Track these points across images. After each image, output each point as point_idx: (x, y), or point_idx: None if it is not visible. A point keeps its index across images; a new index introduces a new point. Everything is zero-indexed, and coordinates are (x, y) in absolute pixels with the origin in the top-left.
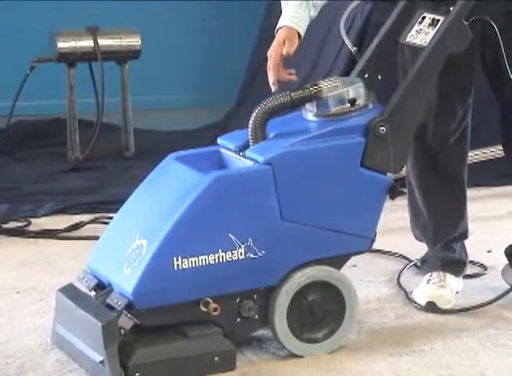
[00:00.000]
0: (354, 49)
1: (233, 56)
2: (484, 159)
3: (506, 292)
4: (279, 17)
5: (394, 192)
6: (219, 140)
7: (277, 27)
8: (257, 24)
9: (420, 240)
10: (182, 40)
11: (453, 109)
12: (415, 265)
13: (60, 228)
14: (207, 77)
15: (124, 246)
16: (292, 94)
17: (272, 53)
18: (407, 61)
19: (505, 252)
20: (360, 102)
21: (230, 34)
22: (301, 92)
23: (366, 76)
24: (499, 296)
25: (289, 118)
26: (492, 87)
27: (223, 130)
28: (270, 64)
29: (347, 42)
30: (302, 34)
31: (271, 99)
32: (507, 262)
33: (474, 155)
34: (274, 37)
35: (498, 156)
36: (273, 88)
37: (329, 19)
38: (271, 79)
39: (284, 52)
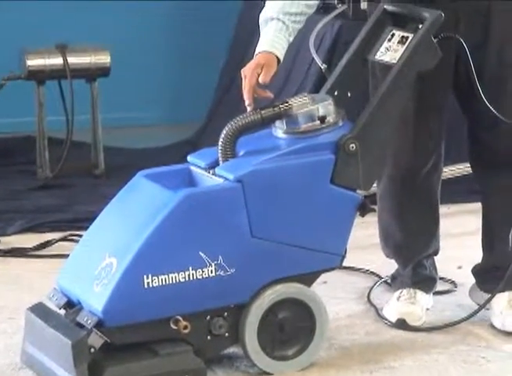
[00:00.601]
0: (323, 67)
1: (203, 72)
2: (453, 176)
3: (476, 312)
4: (251, 34)
5: (364, 209)
6: (189, 158)
7: (256, 52)
8: (227, 40)
9: (391, 258)
10: (152, 56)
11: (427, 127)
12: (385, 281)
13: (30, 246)
14: (177, 93)
15: (93, 264)
16: (262, 112)
17: (248, 74)
18: (377, 78)
19: (472, 271)
20: (330, 119)
21: (200, 49)
22: (271, 109)
23: (336, 93)
24: (469, 316)
25: (259, 136)
26: (461, 103)
27: (193, 147)
28: (245, 85)
29: (317, 60)
30: (281, 60)
31: (241, 116)
32: (474, 281)
33: (445, 172)
34: (245, 52)
35: (466, 173)
36: (249, 109)
37: (298, 36)
38: (247, 101)
39: (261, 80)
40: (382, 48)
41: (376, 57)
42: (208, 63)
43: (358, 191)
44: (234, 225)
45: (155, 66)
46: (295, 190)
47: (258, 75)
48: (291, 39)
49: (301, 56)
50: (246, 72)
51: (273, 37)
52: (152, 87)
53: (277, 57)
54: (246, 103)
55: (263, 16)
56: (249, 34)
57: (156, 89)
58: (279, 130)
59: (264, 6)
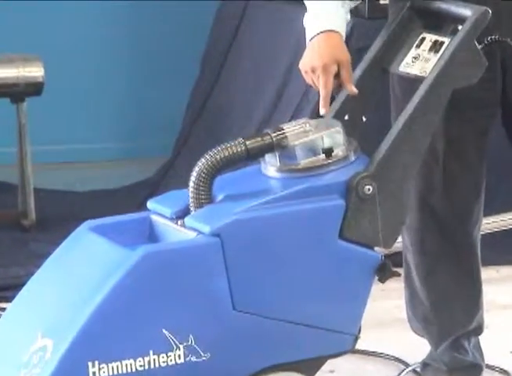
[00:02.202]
0: None
1: (169, 95)
2: (500, 228)
3: None
4: (223, 53)
5: (384, 272)
6: (150, 204)
7: (313, 34)
8: (200, 50)
9: (421, 336)
10: (101, 71)
11: (465, 161)
12: (413, 370)
13: None
14: (134, 119)
15: (21, 347)
16: (247, 142)
17: (323, 78)
18: (401, 97)
19: None
20: (338, 152)
21: (166, 65)
22: (259, 139)
23: (347, 117)
24: None
25: (243, 174)
26: (510, 130)
27: (155, 190)
28: (323, 93)
29: None
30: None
31: (219, 148)
32: None
33: (489, 223)
34: (222, 65)
35: None
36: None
37: (292, 45)
38: (323, 110)
39: (347, 88)
40: (408, 58)
41: (400, 69)
42: (176, 79)
43: (377, 248)
44: (210, 294)
45: (106, 83)
46: (292, 248)
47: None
48: (349, 17)
49: (296, 71)
50: (320, 70)
51: (335, 12)
52: (101, 111)
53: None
54: (323, 112)
55: None
56: (221, 54)
57: (106, 114)
58: (270, 167)
59: None
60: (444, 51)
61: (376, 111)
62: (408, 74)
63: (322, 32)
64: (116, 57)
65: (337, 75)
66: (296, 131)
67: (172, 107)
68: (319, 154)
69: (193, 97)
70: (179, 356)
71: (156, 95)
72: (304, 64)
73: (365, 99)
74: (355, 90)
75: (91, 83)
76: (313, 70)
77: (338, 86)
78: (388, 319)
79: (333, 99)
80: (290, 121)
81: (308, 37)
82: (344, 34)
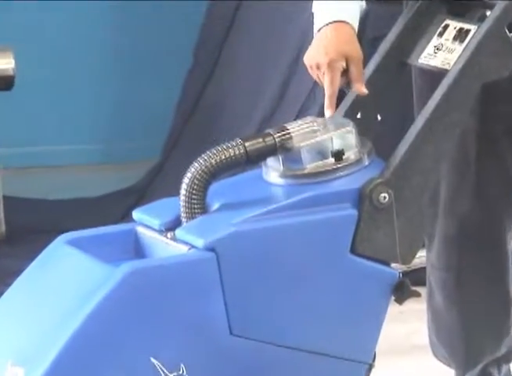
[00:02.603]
0: None
1: (157, 91)
2: None
3: None
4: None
5: (402, 292)
6: (135, 214)
7: (321, 25)
8: (191, 43)
9: (446, 364)
10: (81, 62)
11: (496, 164)
12: None
13: None
14: (117, 118)
15: None
16: (246, 143)
17: (329, 75)
18: (423, 92)
19: None
20: (350, 155)
21: (153, 60)
22: (259, 140)
23: (359, 116)
24: None
25: (241, 180)
26: None
27: (141, 198)
28: (329, 92)
29: None
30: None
31: (214, 151)
32: None
33: None
34: (217, 59)
35: None
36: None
37: (297, 35)
38: (329, 111)
39: (357, 89)
40: (429, 48)
41: (420, 61)
42: (164, 74)
43: (394, 265)
44: (204, 317)
45: (83, 77)
46: (297, 264)
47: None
48: (364, 4)
49: (302, 64)
50: (325, 67)
51: (346, 2)
52: (80, 109)
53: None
54: (328, 113)
55: None
56: (219, 36)
57: (86, 112)
58: (272, 172)
59: None
60: (470, 40)
61: (393, 109)
62: (429, 66)
63: (331, 23)
64: (96, 52)
65: (346, 72)
66: (302, 131)
67: (160, 105)
68: (328, 158)
69: (185, 94)
70: None
71: (143, 92)
72: (309, 58)
73: (380, 95)
74: (364, 90)
75: (69, 77)
76: (318, 66)
77: (346, 84)
78: (406, 346)
79: (343, 95)
80: (297, 117)
81: (315, 27)
82: (356, 26)
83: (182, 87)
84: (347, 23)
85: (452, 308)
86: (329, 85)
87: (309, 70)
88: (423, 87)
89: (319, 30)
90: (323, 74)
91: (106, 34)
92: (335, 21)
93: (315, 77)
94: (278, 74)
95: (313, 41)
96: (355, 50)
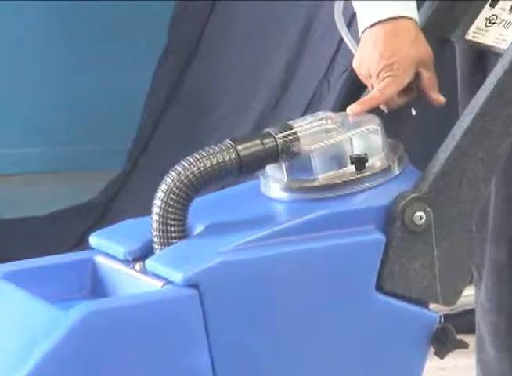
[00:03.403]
0: None
1: (119, 82)
2: None
3: None
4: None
5: (444, 342)
6: (93, 239)
7: (369, 23)
8: (163, 34)
9: None
10: (33, 57)
11: None
12: None
13: None
14: (68, 116)
15: None
16: (239, 147)
17: (380, 85)
18: (468, 80)
19: None
20: (375, 162)
21: (117, 49)
22: (256, 142)
23: (387, 110)
24: None
25: (233, 195)
26: None
27: (101, 218)
28: (369, 102)
29: (350, 44)
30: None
31: (197, 157)
32: None
33: None
34: (194, 52)
35: None
36: None
37: (307, 6)
38: (353, 108)
39: (431, 98)
40: (480, 21)
41: (467, 37)
42: (131, 70)
43: (433, 306)
44: (184, 370)
45: (38, 71)
46: (304, 305)
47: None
48: None
49: (314, 40)
50: (374, 77)
51: None
52: (26, 104)
53: None
54: (353, 111)
55: None
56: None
57: (33, 109)
58: (273, 184)
59: None
60: None
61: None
62: (478, 44)
63: (385, 20)
64: (53, 43)
65: (415, 81)
66: (312, 130)
67: (124, 98)
68: (347, 165)
69: (155, 86)
70: None
71: (100, 84)
72: (360, 64)
73: (414, 83)
74: (442, 99)
75: (16, 74)
76: (371, 75)
77: (409, 96)
78: None
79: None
80: (305, 112)
81: (361, 26)
82: (418, 20)
83: (152, 76)
84: (409, 17)
85: (506, 361)
86: (375, 96)
87: (363, 80)
88: (471, 72)
89: (365, 30)
90: (382, 80)
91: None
92: (392, 18)
93: (370, 87)
94: (280, 55)
95: (361, 45)
96: (424, 52)
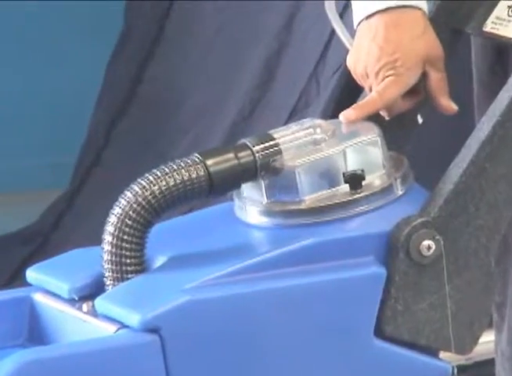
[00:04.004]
0: None
1: (67, 85)
2: None
3: None
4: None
5: None
6: (32, 274)
7: (367, 14)
8: (113, 37)
9: None
10: None
11: None
12: None
13: None
14: (4, 128)
15: None
16: (209, 162)
17: (379, 86)
18: (486, 81)
19: None
20: (374, 180)
21: (58, 56)
22: (230, 156)
23: (389, 117)
24: None
25: (201, 220)
26: None
27: (40, 248)
28: (368, 107)
29: (344, 37)
30: None
31: (158, 174)
32: None
33: None
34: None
35: None
36: None
37: None
38: (347, 114)
39: (439, 104)
40: (500, 9)
41: (485, 29)
42: (78, 54)
43: (444, 354)
44: None
45: None
46: (288, 352)
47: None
48: None
49: (301, 31)
50: (372, 76)
51: None
52: None
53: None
54: (345, 117)
55: None
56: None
57: None
58: (250, 206)
59: None
60: None
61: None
62: (500, 36)
63: (387, 9)
64: None
65: (422, 82)
66: (297, 141)
67: (68, 98)
68: (339, 184)
69: (108, 84)
70: None
71: (36, 80)
72: (355, 62)
73: (421, 85)
74: (454, 107)
75: None
76: (368, 75)
77: (414, 100)
78: None
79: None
80: (285, 124)
81: (356, 17)
82: (426, 9)
83: (104, 73)
84: (416, 7)
85: None
86: (374, 100)
87: (358, 80)
88: (490, 70)
89: (361, 22)
90: (381, 81)
91: None
92: (394, 7)
93: (367, 89)
94: (259, 50)
95: (357, 38)
96: (433, 47)
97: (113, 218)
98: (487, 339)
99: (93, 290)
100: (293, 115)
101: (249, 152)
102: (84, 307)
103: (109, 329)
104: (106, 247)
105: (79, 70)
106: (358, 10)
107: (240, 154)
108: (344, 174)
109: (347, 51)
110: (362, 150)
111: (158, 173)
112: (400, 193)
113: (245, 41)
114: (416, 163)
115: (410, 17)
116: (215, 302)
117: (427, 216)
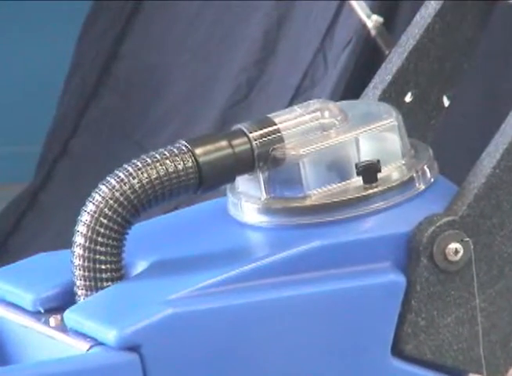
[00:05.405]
0: (375, 21)
1: (30, 65)
2: None
3: None
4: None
5: None
6: None
7: None
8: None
9: None
10: None
11: None
12: None
13: None
14: None
15: None
16: (198, 150)
17: None
18: None
19: None
20: (391, 172)
21: (19, 35)
22: (222, 144)
23: (409, 98)
24: None
25: (189, 219)
26: None
27: (2, 252)
28: None
29: (357, 4)
30: None
31: (139, 164)
32: None
33: None
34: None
35: None
36: None
37: None
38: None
39: None
40: None
41: None
42: (43, 29)
43: None
44: None
45: None
46: (289, 372)
47: None
48: None
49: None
50: None
51: None
52: None
53: None
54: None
55: None
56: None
57: None
58: (246, 203)
59: None
60: None
61: (471, 85)
62: None
63: None
64: None
65: None
66: (302, 127)
67: (33, 79)
68: (351, 177)
69: (80, 57)
70: None
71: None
72: None
73: (448, 58)
74: None
75: None
76: None
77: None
78: None
79: (379, 55)
80: (289, 106)
81: None
82: None
83: (73, 49)
84: None
85: None
86: None
87: None
88: None
89: None
90: None
91: None
92: None
93: None
94: (256, 19)
95: None
96: None
97: (85, 217)
98: None
99: (62, 301)
100: (297, 96)
101: (245, 139)
102: (52, 321)
103: (81, 347)
104: (78, 250)
105: (45, 47)
106: None
107: (235, 142)
108: (356, 165)
109: (358, 21)
110: (378, 137)
111: (139, 164)
112: (422, 187)
113: (238, 11)
114: (441, 152)
115: None
116: (204, 316)
117: (454, 215)
